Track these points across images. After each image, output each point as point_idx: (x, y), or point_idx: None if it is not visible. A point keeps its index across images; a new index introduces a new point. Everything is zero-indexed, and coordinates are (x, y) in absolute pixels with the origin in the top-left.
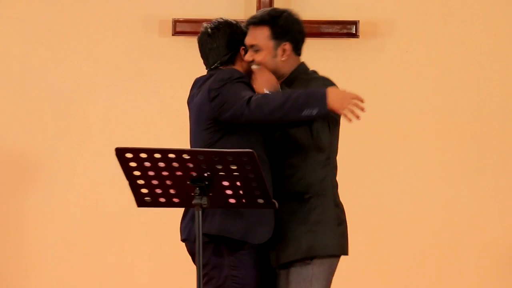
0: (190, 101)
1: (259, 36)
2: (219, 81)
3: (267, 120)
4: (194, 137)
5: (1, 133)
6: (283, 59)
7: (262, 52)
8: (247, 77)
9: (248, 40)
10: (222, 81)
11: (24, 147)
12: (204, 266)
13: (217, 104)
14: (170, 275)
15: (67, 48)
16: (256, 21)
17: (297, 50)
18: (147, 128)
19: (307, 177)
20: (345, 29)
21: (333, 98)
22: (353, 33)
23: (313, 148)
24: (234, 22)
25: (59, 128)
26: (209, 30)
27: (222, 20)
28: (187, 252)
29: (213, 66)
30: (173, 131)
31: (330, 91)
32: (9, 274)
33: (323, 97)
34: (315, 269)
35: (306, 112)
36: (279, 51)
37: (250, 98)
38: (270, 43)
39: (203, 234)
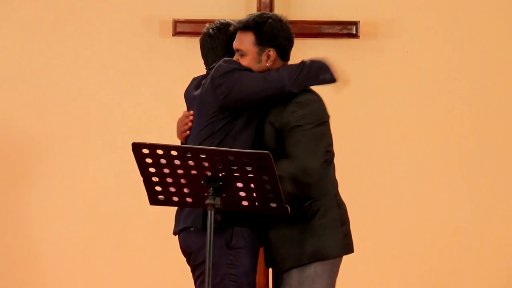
0: (187, 96)
1: (244, 42)
2: (222, 68)
3: (291, 88)
4: (196, 129)
5: (3, 133)
6: (267, 64)
7: (247, 57)
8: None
9: (235, 44)
10: (226, 68)
11: (26, 147)
12: (201, 263)
13: (223, 91)
14: (171, 273)
15: (67, 48)
16: (241, 26)
17: (284, 55)
18: (147, 128)
19: None
20: (345, 30)
21: (332, 66)
22: (354, 34)
23: None
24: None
25: (60, 128)
26: (210, 31)
27: (224, 21)
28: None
29: (212, 66)
30: (172, 131)
31: (327, 61)
32: (15, 270)
33: (328, 65)
34: (317, 268)
35: (322, 77)
36: (264, 57)
37: (267, 75)
38: (254, 49)
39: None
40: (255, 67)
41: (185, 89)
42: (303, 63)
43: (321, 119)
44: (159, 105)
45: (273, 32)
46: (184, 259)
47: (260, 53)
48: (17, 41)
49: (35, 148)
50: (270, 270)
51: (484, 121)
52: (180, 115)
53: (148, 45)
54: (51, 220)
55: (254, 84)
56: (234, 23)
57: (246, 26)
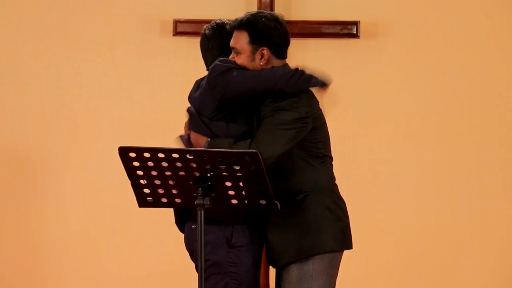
0: (189, 100)
1: (239, 40)
2: (218, 68)
3: (283, 86)
4: None
5: (4, 133)
6: (261, 63)
7: (242, 55)
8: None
9: (231, 43)
10: (222, 68)
11: (27, 146)
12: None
13: (219, 91)
14: (175, 271)
15: (68, 48)
16: (236, 25)
17: (279, 54)
18: (147, 128)
19: (297, 176)
20: (345, 30)
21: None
22: (354, 34)
23: (297, 145)
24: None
25: (60, 128)
26: (206, 31)
27: (219, 21)
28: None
29: (210, 67)
30: (173, 131)
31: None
32: (20, 269)
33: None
34: (315, 264)
35: (313, 81)
36: (257, 55)
37: (260, 71)
38: (248, 47)
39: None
40: (249, 65)
41: (184, 88)
42: (297, 68)
43: (297, 115)
44: (160, 105)
45: (266, 31)
46: (188, 257)
47: (253, 52)
48: (16, 41)
49: (35, 148)
50: (274, 269)
51: (484, 120)
52: (180, 114)
53: (148, 45)
54: (54, 220)
55: (247, 81)
56: (231, 22)
57: (240, 24)
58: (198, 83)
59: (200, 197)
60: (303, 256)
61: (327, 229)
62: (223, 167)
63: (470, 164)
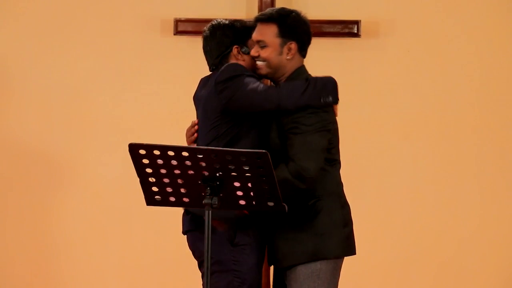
0: (194, 99)
1: (266, 33)
2: (226, 73)
3: (295, 106)
4: (202, 132)
5: (6, 133)
6: (288, 57)
7: (268, 48)
8: (249, 71)
9: (255, 36)
10: (230, 74)
11: (28, 144)
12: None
13: (225, 96)
14: (178, 269)
15: (69, 48)
16: (264, 18)
17: (302, 50)
18: (148, 127)
19: None
20: (346, 29)
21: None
22: (355, 33)
23: None
24: (227, 23)
25: (61, 128)
26: (204, 34)
27: (215, 22)
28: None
29: (213, 68)
30: (174, 130)
31: (333, 81)
32: (30, 266)
33: (336, 87)
34: (322, 264)
35: (323, 100)
36: (285, 49)
37: (267, 89)
38: (277, 41)
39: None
40: (275, 59)
41: (184, 87)
42: (308, 82)
43: (320, 120)
44: (161, 104)
45: (296, 25)
46: (191, 256)
47: (282, 45)
48: (20, 41)
49: (37, 147)
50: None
51: (486, 120)
52: (181, 114)
53: (149, 44)
54: (61, 220)
55: (252, 97)
56: (257, 15)
57: (270, 17)
58: (204, 82)
59: (208, 196)
60: (309, 259)
61: (334, 234)
62: (232, 167)
63: (471, 164)
